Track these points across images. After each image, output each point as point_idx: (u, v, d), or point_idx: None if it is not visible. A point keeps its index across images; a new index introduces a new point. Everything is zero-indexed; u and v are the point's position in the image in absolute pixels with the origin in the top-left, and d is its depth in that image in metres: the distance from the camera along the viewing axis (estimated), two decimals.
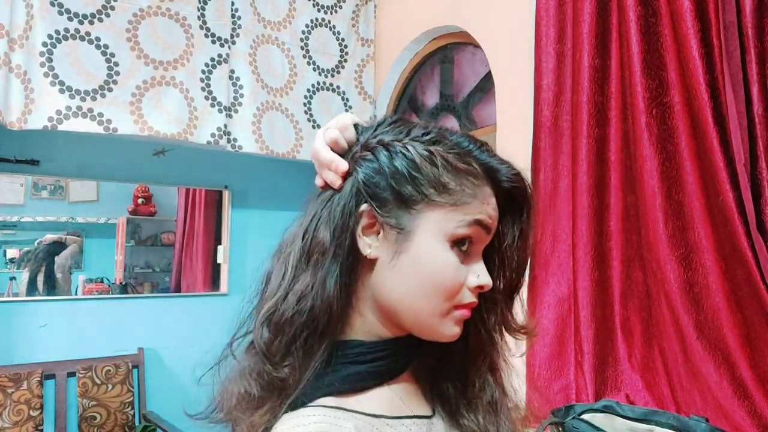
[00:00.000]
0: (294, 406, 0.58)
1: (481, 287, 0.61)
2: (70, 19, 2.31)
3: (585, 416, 1.37)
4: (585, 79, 1.85)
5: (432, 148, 0.60)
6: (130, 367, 2.97)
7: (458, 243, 0.60)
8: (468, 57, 2.74)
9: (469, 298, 0.61)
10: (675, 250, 1.65)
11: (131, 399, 2.91)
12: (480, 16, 2.46)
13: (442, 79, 2.91)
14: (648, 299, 1.77)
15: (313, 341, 0.59)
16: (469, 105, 2.72)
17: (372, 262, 0.61)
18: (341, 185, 0.61)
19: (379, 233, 0.61)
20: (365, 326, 0.62)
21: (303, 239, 0.61)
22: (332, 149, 0.63)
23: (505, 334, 0.68)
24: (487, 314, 0.66)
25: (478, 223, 0.60)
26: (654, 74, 1.69)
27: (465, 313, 0.62)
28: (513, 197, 0.64)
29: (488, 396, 0.67)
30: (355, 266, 0.61)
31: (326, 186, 0.63)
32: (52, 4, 2.27)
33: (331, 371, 0.59)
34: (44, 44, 2.25)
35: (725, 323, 1.54)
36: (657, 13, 1.70)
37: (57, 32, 2.28)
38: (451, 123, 2.82)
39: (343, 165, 0.61)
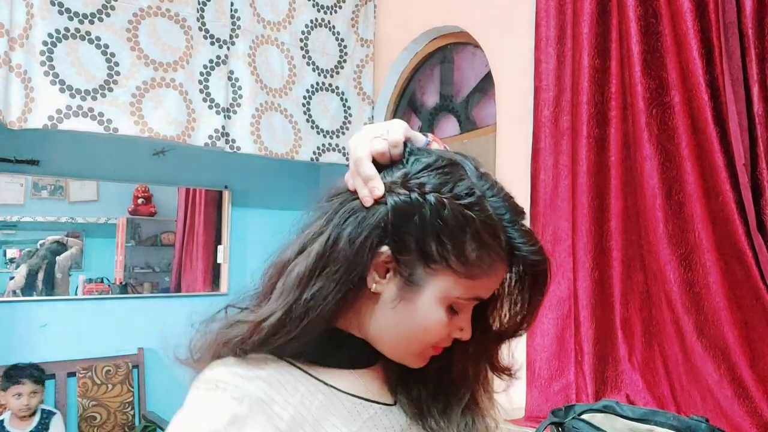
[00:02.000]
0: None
1: (460, 338, 0.65)
2: (70, 18, 2.32)
3: (585, 416, 1.37)
4: (585, 79, 1.85)
5: (468, 214, 0.60)
6: (130, 367, 2.97)
7: (453, 306, 0.63)
8: (468, 57, 2.74)
9: (446, 343, 0.65)
10: (675, 250, 1.65)
11: (131, 399, 2.91)
12: (480, 16, 2.47)
13: (442, 79, 2.91)
14: (648, 299, 1.77)
15: (293, 333, 0.61)
16: (468, 105, 2.72)
17: (372, 294, 0.63)
18: (371, 206, 0.62)
19: (387, 272, 0.62)
20: (350, 322, 0.65)
21: (325, 245, 0.61)
22: (374, 159, 0.63)
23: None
24: (476, 356, 0.69)
25: (476, 298, 0.63)
26: (654, 74, 1.69)
27: (436, 352, 0.66)
28: (527, 273, 0.64)
29: (467, 420, 0.69)
30: (358, 289, 0.62)
31: (356, 192, 0.64)
32: (53, 4, 2.27)
33: (311, 349, 0.63)
34: (44, 43, 2.25)
35: (725, 323, 1.54)
36: (657, 13, 1.70)
37: (57, 31, 2.28)
38: (451, 123, 2.82)
39: (379, 190, 0.61)
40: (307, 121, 2.96)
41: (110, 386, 2.86)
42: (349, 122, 3.10)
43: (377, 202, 0.61)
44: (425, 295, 0.61)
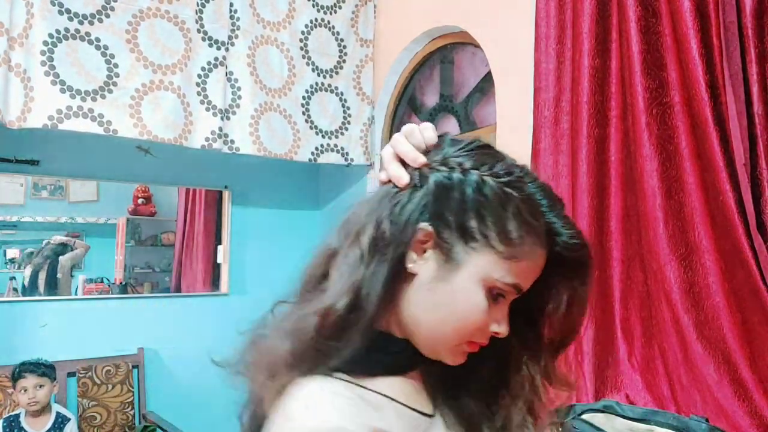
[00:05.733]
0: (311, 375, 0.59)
1: (497, 334, 0.62)
2: (70, 19, 2.32)
3: (585, 416, 1.37)
4: (585, 79, 1.85)
5: (508, 191, 0.59)
6: (130, 367, 2.97)
7: (491, 290, 0.60)
8: (468, 57, 2.74)
9: (482, 339, 0.62)
10: (675, 250, 1.65)
11: (131, 399, 2.91)
12: (480, 16, 2.47)
13: (442, 79, 2.91)
14: (648, 299, 1.77)
15: (354, 330, 0.59)
16: (468, 105, 2.72)
17: (410, 275, 0.61)
18: (407, 185, 0.61)
19: (425, 252, 0.60)
20: (390, 322, 0.63)
21: (374, 231, 0.60)
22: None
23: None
24: (527, 358, 0.66)
25: (515, 285, 0.60)
26: (654, 74, 1.69)
27: (472, 348, 0.63)
28: (568, 262, 0.63)
29: None
30: (399, 273, 0.61)
31: (388, 182, 0.63)
32: (53, 4, 2.27)
33: (357, 354, 0.60)
34: (45, 43, 2.25)
35: (725, 323, 1.54)
36: (657, 13, 1.70)
37: (57, 32, 2.28)
38: (451, 123, 2.82)
39: (421, 158, 0.61)
40: (306, 121, 2.96)
41: (110, 386, 2.86)
42: (349, 122, 3.10)
43: (415, 185, 0.60)
44: (464, 274, 0.59)
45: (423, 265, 0.61)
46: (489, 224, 0.58)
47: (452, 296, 0.59)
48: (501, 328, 0.62)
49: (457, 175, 0.60)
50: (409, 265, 0.60)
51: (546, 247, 0.61)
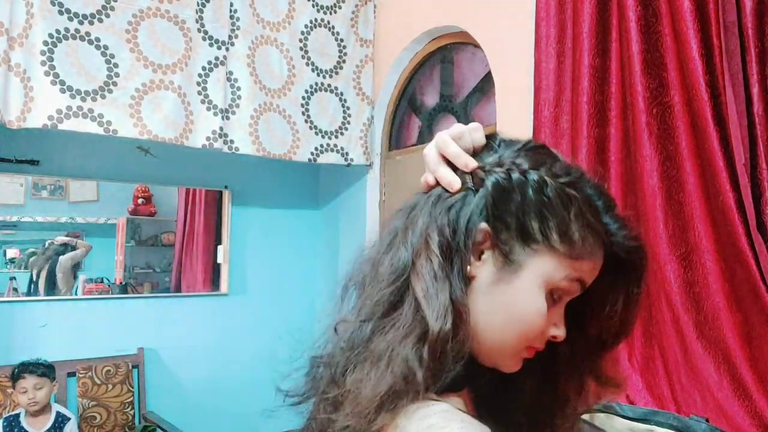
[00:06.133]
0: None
1: (554, 337, 0.60)
2: (70, 18, 2.32)
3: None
4: (585, 79, 1.85)
5: (571, 192, 0.58)
6: (130, 367, 2.97)
7: (553, 292, 0.58)
8: (468, 57, 2.74)
9: (541, 343, 0.60)
10: (675, 250, 1.65)
11: (131, 399, 2.91)
12: (480, 16, 2.46)
13: (442, 79, 2.91)
14: (648, 299, 1.77)
15: (464, 347, 0.56)
16: (468, 105, 2.72)
17: (468, 280, 0.58)
18: (459, 190, 0.59)
19: (483, 254, 0.58)
20: None
21: (440, 237, 0.57)
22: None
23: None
24: (578, 358, 0.65)
25: (580, 281, 0.59)
26: (654, 74, 1.69)
27: (529, 354, 0.61)
28: (624, 263, 0.61)
29: None
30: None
31: (432, 186, 0.60)
32: (53, 4, 2.27)
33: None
34: (45, 43, 2.25)
35: (725, 323, 1.54)
36: (657, 13, 1.70)
37: (57, 32, 2.28)
38: (451, 123, 2.81)
39: (473, 162, 0.59)
40: (306, 121, 2.96)
41: (110, 386, 2.86)
42: (348, 122, 3.10)
43: (469, 189, 0.58)
44: (525, 277, 0.57)
45: (481, 267, 0.58)
46: (551, 225, 0.57)
47: (513, 299, 0.57)
48: (559, 332, 0.60)
49: (516, 175, 0.58)
50: (467, 268, 0.58)
51: (604, 246, 0.60)
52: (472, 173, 0.59)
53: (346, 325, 0.61)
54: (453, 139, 0.60)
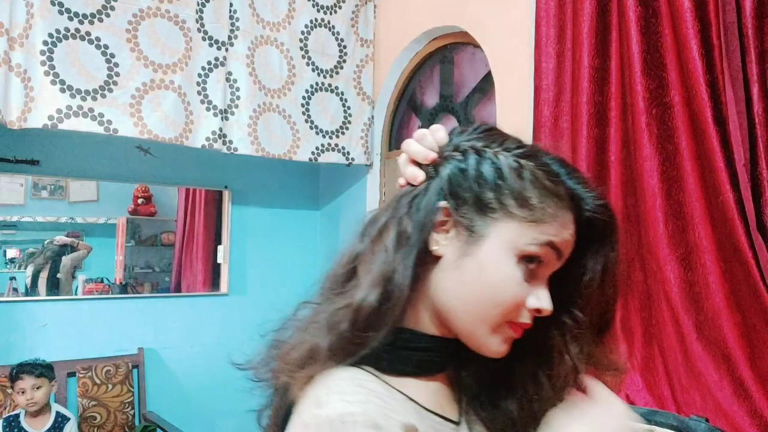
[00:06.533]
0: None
1: (539, 311, 0.60)
2: (70, 18, 2.32)
3: None
4: (585, 79, 1.85)
5: (522, 161, 0.60)
6: (130, 367, 2.97)
7: (526, 260, 0.59)
8: (468, 57, 2.74)
9: (525, 318, 0.60)
10: (675, 250, 1.65)
11: (131, 399, 2.91)
12: (480, 16, 2.46)
13: (442, 79, 2.91)
14: (648, 299, 1.77)
15: (386, 320, 0.59)
16: (468, 105, 2.72)
17: (436, 260, 0.61)
18: (423, 181, 0.62)
19: (449, 232, 0.61)
20: (418, 318, 0.63)
21: (397, 226, 0.61)
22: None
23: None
24: (572, 345, 0.64)
25: (550, 244, 0.59)
26: (654, 74, 1.69)
27: (515, 332, 0.61)
28: (597, 229, 0.62)
29: None
30: (424, 260, 0.61)
31: (408, 184, 0.64)
32: (53, 3, 2.27)
33: (382, 351, 0.60)
34: (45, 43, 2.25)
35: (725, 323, 1.54)
36: (657, 13, 1.70)
37: (57, 31, 2.28)
38: (451, 123, 2.82)
39: (432, 154, 0.63)
40: (306, 121, 2.96)
41: (110, 386, 2.86)
42: (349, 122, 3.10)
43: (431, 177, 0.62)
44: (490, 246, 0.58)
45: (447, 245, 0.60)
46: (506, 193, 0.59)
47: (480, 269, 0.59)
48: (542, 303, 0.59)
49: (469, 154, 0.61)
50: (434, 248, 0.60)
51: (573, 211, 0.60)
52: (433, 163, 0.63)
53: (306, 306, 0.66)
54: (416, 140, 0.65)
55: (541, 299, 0.59)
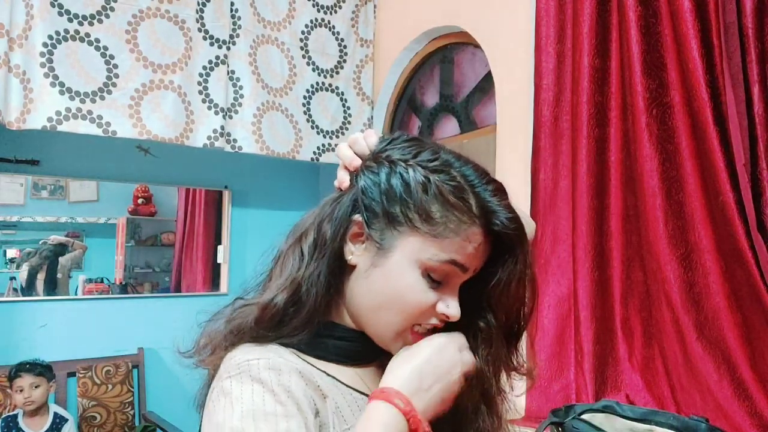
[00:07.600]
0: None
1: (447, 316, 0.63)
2: (70, 20, 2.31)
3: (585, 416, 1.37)
4: (585, 79, 1.85)
5: (430, 177, 0.62)
6: (130, 367, 2.97)
7: (429, 273, 0.62)
8: (468, 57, 2.74)
9: (435, 321, 0.64)
10: (675, 250, 1.65)
11: (131, 399, 2.91)
12: (480, 16, 2.46)
13: (442, 79, 2.91)
14: (648, 299, 1.77)
15: (294, 322, 0.63)
16: (468, 105, 2.72)
17: (352, 268, 0.65)
18: (348, 188, 0.65)
19: (363, 243, 0.64)
20: (341, 313, 0.68)
21: (315, 233, 0.65)
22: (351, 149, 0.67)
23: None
24: (481, 347, 0.67)
25: (452, 262, 0.62)
26: (654, 74, 1.69)
27: (414, 340, 0.64)
28: (505, 242, 0.64)
29: (479, 423, 0.68)
30: (341, 267, 0.65)
31: (339, 189, 0.67)
32: (52, 5, 2.27)
33: (309, 340, 0.65)
34: (44, 45, 2.25)
35: (725, 323, 1.54)
36: (657, 13, 1.70)
37: (57, 33, 2.28)
38: (451, 123, 2.82)
39: (357, 161, 0.66)
40: (308, 121, 2.96)
41: (110, 386, 2.86)
42: (349, 122, 3.10)
43: (353, 186, 0.65)
44: (395, 258, 0.62)
45: (361, 256, 0.64)
46: (411, 208, 0.61)
47: (385, 279, 0.62)
48: (450, 310, 0.63)
49: (383, 168, 0.63)
50: (348, 257, 0.64)
51: (482, 226, 0.62)
52: (356, 172, 0.66)
53: (238, 301, 0.71)
54: (349, 145, 0.67)
55: (449, 306, 0.63)
